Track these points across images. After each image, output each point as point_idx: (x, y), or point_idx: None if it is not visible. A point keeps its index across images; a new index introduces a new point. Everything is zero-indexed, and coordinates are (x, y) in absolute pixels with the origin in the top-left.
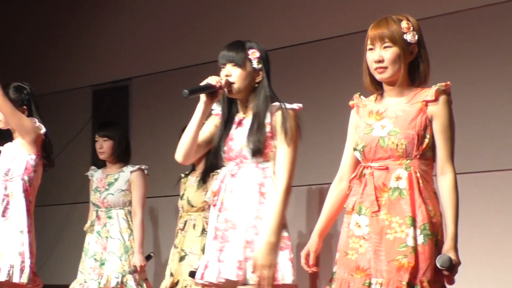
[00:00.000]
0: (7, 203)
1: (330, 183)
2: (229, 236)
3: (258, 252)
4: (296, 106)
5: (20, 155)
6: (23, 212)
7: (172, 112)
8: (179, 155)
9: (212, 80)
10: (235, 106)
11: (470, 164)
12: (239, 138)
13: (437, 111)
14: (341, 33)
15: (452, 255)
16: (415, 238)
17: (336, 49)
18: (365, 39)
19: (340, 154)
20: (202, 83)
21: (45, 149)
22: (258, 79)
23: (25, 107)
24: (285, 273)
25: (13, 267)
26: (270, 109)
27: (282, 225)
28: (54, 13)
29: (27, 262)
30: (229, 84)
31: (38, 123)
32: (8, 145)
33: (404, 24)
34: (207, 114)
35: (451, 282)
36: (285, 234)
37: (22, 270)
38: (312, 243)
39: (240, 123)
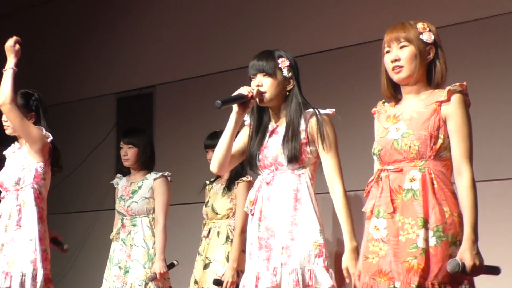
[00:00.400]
0: (19, 212)
1: (352, 191)
2: (272, 244)
3: (346, 260)
4: (329, 111)
5: (29, 163)
6: (35, 220)
7: (195, 120)
8: (213, 166)
9: (243, 90)
10: (267, 115)
11: (493, 171)
12: (273, 146)
13: (450, 111)
14: (368, 40)
15: (466, 257)
16: (426, 240)
17: (359, 56)
18: (382, 44)
19: (362, 161)
20: (234, 94)
21: (53, 156)
22: (289, 87)
23: (33, 113)
24: (321, 281)
25: (25, 275)
26: (304, 116)
27: (352, 226)
28: (78, 21)
29: (40, 270)
30: (260, 93)
31: (45, 131)
32: (12, 150)
33: (420, 25)
34: (239, 124)
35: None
36: (321, 241)
37: (34, 278)
38: None
39: (274, 131)
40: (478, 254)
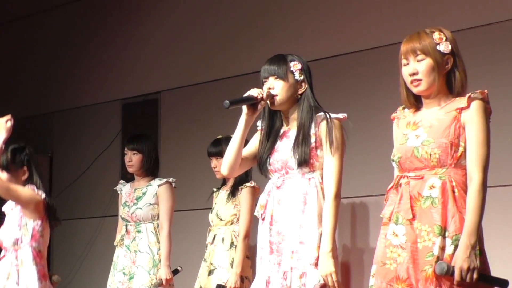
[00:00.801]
0: (17, 272)
1: (364, 196)
2: (283, 249)
3: (320, 264)
4: (341, 115)
5: (25, 222)
6: (34, 278)
7: (201, 126)
8: (224, 168)
9: (253, 92)
10: (279, 119)
11: (502, 178)
12: (284, 149)
13: (469, 117)
14: (381, 44)
15: (457, 259)
16: (443, 248)
17: (373, 60)
18: (399, 55)
19: (378, 166)
20: (244, 95)
21: (49, 211)
22: (301, 90)
23: (25, 168)
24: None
25: None
26: (315, 120)
27: (335, 231)
28: (84, 27)
29: None
30: (271, 96)
31: (37, 190)
32: (10, 206)
33: (436, 35)
34: (249, 125)
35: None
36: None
37: None
38: None
39: (285, 135)
40: (470, 258)
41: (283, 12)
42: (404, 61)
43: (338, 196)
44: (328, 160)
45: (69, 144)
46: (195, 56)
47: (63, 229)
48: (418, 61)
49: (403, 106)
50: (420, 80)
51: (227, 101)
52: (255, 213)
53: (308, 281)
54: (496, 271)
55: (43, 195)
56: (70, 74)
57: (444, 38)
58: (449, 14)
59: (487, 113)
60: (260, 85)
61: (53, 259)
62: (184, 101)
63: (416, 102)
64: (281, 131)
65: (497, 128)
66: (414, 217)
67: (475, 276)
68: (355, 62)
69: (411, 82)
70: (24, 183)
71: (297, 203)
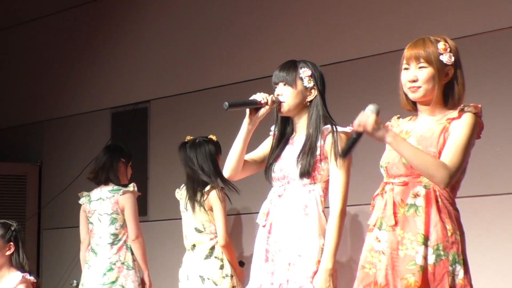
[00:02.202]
0: None
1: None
2: (278, 259)
3: (316, 280)
4: (348, 129)
5: None
6: None
7: (191, 134)
8: (226, 170)
9: (258, 96)
10: (290, 126)
11: (490, 187)
12: (288, 158)
13: (455, 125)
14: (386, 50)
15: (317, 284)
16: (425, 257)
17: (380, 67)
18: (401, 58)
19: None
20: (249, 98)
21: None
22: (310, 97)
23: (11, 243)
24: None
25: None
26: (321, 132)
27: (337, 249)
28: (73, 36)
29: None
30: (278, 102)
31: (21, 274)
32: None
33: (441, 45)
34: (251, 130)
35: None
36: (319, 259)
37: None
38: None
39: (291, 142)
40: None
41: (275, 20)
42: (405, 66)
43: (343, 212)
44: (334, 173)
45: (58, 153)
46: (185, 65)
47: (52, 238)
48: (419, 68)
49: (398, 116)
50: (418, 87)
51: (226, 103)
52: (257, 220)
53: None
54: (482, 280)
55: (28, 277)
56: (59, 83)
57: (449, 49)
58: (459, 20)
59: (476, 126)
60: (271, 90)
61: (42, 268)
62: (174, 110)
63: (415, 106)
64: (290, 138)
65: (485, 137)
66: (396, 223)
67: None
68: (361, 69)
69: (409, 88)
70: (9, 258)
71: (297, 214)
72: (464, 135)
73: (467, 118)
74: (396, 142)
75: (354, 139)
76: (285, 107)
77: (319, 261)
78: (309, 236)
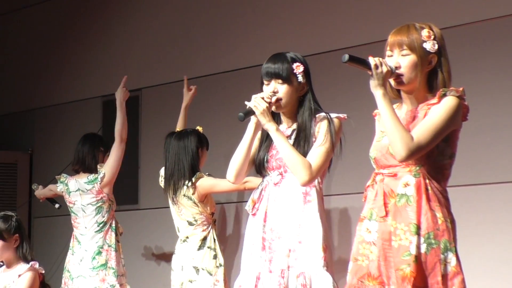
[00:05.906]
0: None
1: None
2: (276, 246)
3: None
4: (342, 115)
5: None
6: None
7: None
8: (230, 175)
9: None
10: (278, 117)
11: (480, 176)
12: None
13: (433, 109)
14: (374, 40)
15: None
16: (418, 247)
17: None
18: (385, 45)
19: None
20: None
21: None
22: (302, 92)
23: (17, 235)
24: (323, 285)
25: None
26: (314, 120)
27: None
28: (64, 24)
29: None
30: (276, 100)
31: (30, 264)
32: (11, 279)
33: (425, 32)
34: (257, 134)
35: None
36: (323, 244)
37: None
38: None
39: (284, 134)
40: None
41: (267, 8)
42: (388, 53)
43: (313, 176)
44: (315, 147)
45: (49, 141)
46: (176, 53)
47: (43, 226)
48: (402, 55)
49: None
50: (401, 75)
51: (241, 114)
52: (246, 207)
53: (321, 285)
54: (473, 270)
55: (42, 271)
56: (50, 71)
57: (432, 37)
58: (448, 9)
59: (458, 109)
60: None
61: (33, 256)
62: (165, 98)
63: (399, 94)
64: (281, 129)
65: (475, 128)
66: (387, 214)
67: None
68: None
69: None
70: (15, 250)
71: (297, 201)
72: (437, 116)
73: (446, 101)
74: None
75: (368, 63)
76: (283, 104)
77: (324, 247)
78: (310, 223)
